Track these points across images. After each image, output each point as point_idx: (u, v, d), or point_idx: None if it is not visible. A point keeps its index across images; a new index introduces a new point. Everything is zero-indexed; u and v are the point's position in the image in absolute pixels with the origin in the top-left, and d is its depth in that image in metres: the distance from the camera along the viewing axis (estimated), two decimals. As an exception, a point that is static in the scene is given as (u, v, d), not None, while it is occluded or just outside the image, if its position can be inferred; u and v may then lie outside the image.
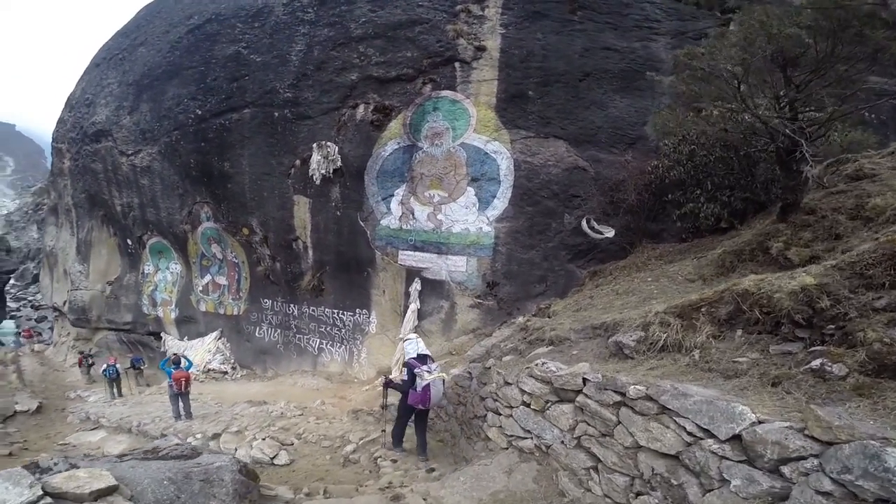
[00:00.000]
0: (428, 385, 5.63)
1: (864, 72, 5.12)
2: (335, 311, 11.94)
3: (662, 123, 7.10)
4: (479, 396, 5.40)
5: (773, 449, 2.41)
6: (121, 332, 17.15)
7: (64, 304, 18.72)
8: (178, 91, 12.80)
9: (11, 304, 42.93)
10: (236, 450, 7.12)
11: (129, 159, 14.60)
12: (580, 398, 3.80)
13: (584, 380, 3.78)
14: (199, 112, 12.41)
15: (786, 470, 2.38)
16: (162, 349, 15.81)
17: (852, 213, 5.26)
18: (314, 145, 10.69)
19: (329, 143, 10.63)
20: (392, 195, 10.47)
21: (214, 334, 14.49)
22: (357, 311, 11.52)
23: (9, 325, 35.19)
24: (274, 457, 6.69)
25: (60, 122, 17.21)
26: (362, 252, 11.02)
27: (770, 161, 7.06)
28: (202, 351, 14.20)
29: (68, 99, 16.74)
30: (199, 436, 8.09)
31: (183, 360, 10.04)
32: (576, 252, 9.48)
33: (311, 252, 12.01)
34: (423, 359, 5.99)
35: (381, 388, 6.75)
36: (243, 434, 7.84)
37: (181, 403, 9.57)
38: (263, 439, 7.32)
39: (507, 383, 4.71)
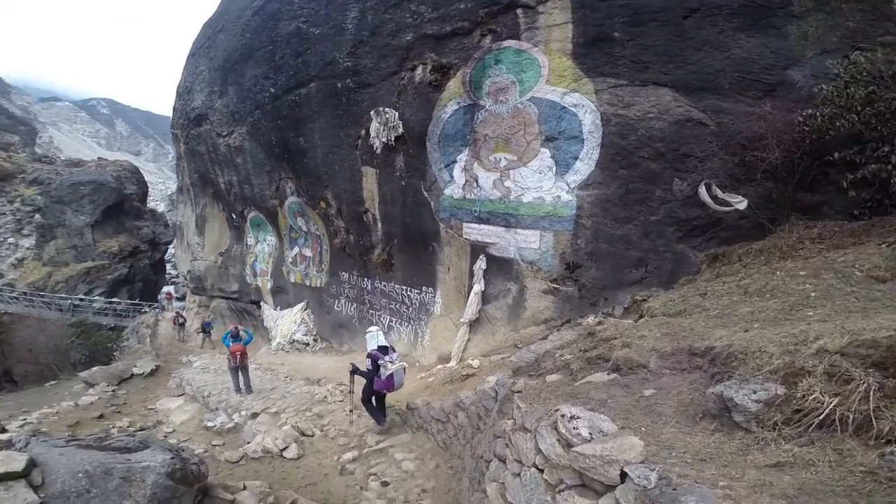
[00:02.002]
0: (392, 374, 6.37)
1: None
2: (403, 287, 11.52)
3: (810, 32, 4.84)
4: (494, 433, 3.84)
5: None
6: (230, 301, 18.91)
7: (188, 273, 21.23)
8: (254, 72, 13.05)
9: (172, 271, 50.86)
10: (257, 434, 6.91)
11: (225, 140, 15.55)
12: (606, 500, 2.18)
13: (623, 474, 2.13)
14: (273, 90, 12.54)
15: None
16: (260, 317, 17.07)
17: None
18: (372, 112, 10.04)
19: (388, 109, 9.90)
20: (454, 161, 9.46)
21: (301, 305, 15.14)
22: (423, 288, 10.94)
23: (166, 289, 41.54)
24: (284, 449, 6.30)
25: (174, 110, 19.01)
26: (427, 225, 10.29)
27: None
28: (289, 321, 14.95)
29: (176, 88, 18.32)
30: (244, 412, 8.10)
31: (242, 332, 10.22)
32: (689, 228, 7.43)
33: (380, 225, 11.64)
34: (384, 350, 6.65)
35: (349, 374, 7.24)
36: (279, 416, 7.63)
37: (241, 377, 9.60)
38: (290, 426, 7.04)
39: (525, 428, 3.06)
